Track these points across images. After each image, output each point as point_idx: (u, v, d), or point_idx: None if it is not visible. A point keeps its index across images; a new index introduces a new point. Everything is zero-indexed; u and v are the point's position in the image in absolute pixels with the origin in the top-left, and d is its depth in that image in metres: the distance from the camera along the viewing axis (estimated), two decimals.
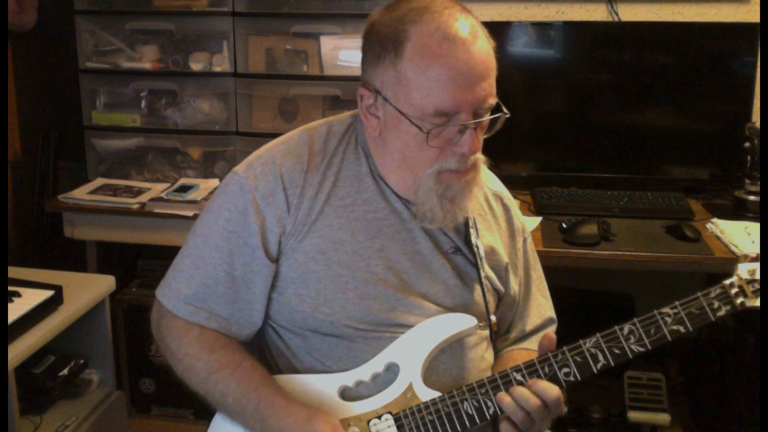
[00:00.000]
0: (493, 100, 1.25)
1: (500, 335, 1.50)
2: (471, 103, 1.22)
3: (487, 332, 1.39)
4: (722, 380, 2.50)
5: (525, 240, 1.50)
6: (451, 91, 1.20)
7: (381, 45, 1.24)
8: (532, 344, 1.48)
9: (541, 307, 1.52)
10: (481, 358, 1.39)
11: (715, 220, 2.34)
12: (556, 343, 1.29)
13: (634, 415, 2.46)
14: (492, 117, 1.27)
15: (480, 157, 1.30)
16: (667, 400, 2.51)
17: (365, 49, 1.29)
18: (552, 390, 1.24)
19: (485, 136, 1.29)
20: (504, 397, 1.24)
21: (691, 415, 2.67)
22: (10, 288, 1.96)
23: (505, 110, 1.27)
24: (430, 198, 1.28)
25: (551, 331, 1.51)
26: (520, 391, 1.24)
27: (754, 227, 2.24)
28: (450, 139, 1.25)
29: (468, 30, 1.21)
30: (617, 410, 2.54)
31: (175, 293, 1.35)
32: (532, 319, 1.50)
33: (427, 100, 1.21)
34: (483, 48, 1.22)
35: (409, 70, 1.21)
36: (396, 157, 1.30)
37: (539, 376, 1.26)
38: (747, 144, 2.37)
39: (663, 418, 2.45)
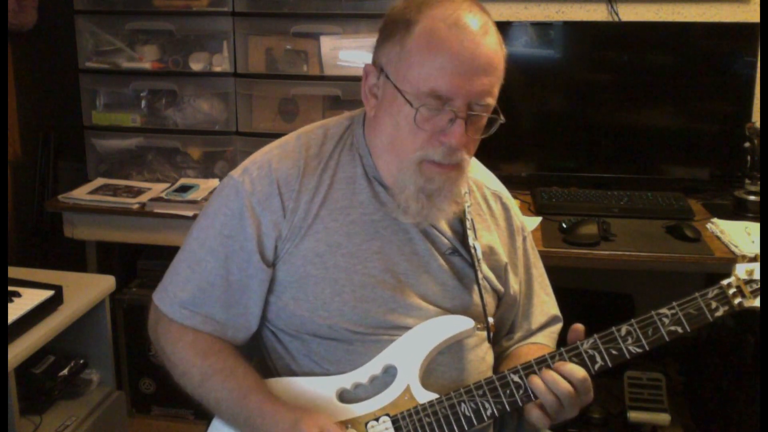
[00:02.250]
0: (491, 101, 1.25)
1: (502, 335, 1.50)
2: (467, 92, 1.21)
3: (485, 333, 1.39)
4: (722, 380, 2.50)
5: (525, 239, 1.50)
6: (448, 75, 1.20)
7: (394, 23, 1.26)
8: (540, 339, 1.49)
9: (545, 305, 1.51)
10: (481, 360, 1.39)
11: (715, 220, 2.34)
12: (584, 334, 1.28)
13: (634, 415, 2.46)
14: (485, 115, 1.26)
15: (466, 158, 1.29)
16: (667, 400, 2.51)
17: (380, 30, 1.30)
18: (578, 372, 1.23)
19: (481, 137, 1.29)
20: (535, 380, 1.24)
21: (691, 415, 2.67)
22: (10, 288, 1.96)
23: (501, 117, 1.27)
24: (407, 187, 1.27)
25: (557, 329, 1.52)
26: (550, 374, 1.23)
27: (754, 227, 2.23)
28: (440, 126, 1.24)
29: (479, 24, 1.23)
30: (617, 410, 2.55)
31: (172, 297, 1.35)
32: (537, 318, 1.50)
33: (425, 79, 1.21)
34: (491, 45, 1.23)
35: (414, 47, 1.22)
36: (385, 139, 1.30)
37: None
38: (747, 144, 2.37)
39: (663, 418, 2.45)
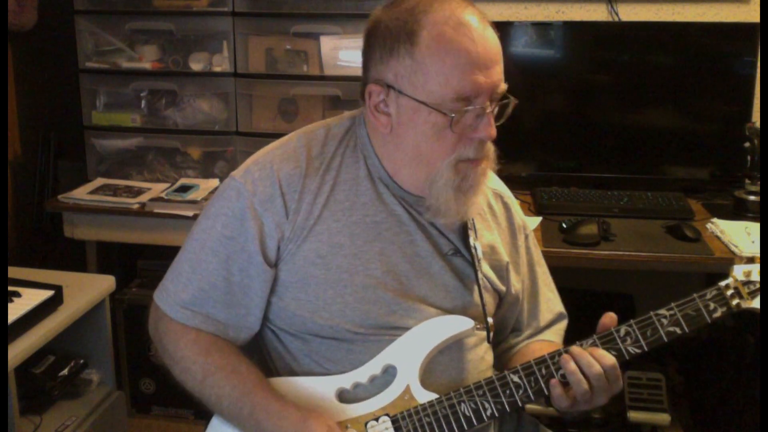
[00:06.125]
0: (504, 86, 1.26)
1: (505, 334, 1.51)
2: (489, 86, 1.23)
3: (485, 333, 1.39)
4: (722, 380, 2.49)
5: (527, 237, 1.50)
6: (470, 74, 1.21)
7: (393, 37, 1.24)
8: (549, 336, 1.49)
9: (551, 302, 1.52)
10: (480, 360, 1.39)
11: (715, 220, 2.34)
12: (617, 321, 1.28)
13: (634, 415, 2.46)
14: (506, 101, 1.28)
15: (492, 147, 1.30)
16: (667, 400, 2.50)
17: (371, 46, 1.29)
18: (608, 358, 1.23)
19: (501, 122, 1.29)
20: (568, 362, 1.23)
21: (691, 415, 2.67)
22: (10, 288, 1.96)
23: (512, 98, 1.28)
24: (446, 190, 1.27)
25: (563, 326, 1.52)
26: (585, 356, 1.23)
27: (754, 227, 2.23)
28: (468, 125, 1.25)
29: (478, 18, 1.24)
30: (617, 410, 2.54)
31: (173, 297, 1.35)
32: (545, 315, 1.50)
33: (447, 85, 1.21)
34: (493, 35, 1.25)
35: (426, 56, 1.22)
36: (410, 152, 1.29)
37: (536, 378, 1.26)
38: (747, 144, 2.37)
39: (663, 418, 2.45)
